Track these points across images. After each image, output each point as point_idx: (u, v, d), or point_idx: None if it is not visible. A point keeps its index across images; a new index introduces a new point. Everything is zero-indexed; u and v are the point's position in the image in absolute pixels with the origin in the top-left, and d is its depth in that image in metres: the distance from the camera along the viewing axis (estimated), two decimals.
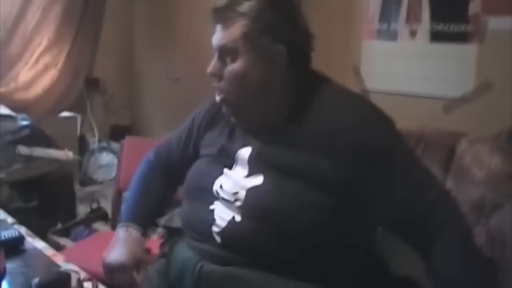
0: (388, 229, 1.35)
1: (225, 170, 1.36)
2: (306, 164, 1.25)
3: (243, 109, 1.35)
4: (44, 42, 3.59)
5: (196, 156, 1.48)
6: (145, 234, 1.52)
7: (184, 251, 1.38)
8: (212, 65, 1.33)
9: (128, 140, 2.57)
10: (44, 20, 3.57)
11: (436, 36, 2.51)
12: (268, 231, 1.24)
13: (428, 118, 2.46)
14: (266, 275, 1.24)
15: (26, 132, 3.07)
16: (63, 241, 2.98)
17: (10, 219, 1.65)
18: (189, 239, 1.39)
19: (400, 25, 2.64)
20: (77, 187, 3.56)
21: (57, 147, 3.23)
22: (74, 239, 2.99)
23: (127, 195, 1.62)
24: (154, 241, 1.97)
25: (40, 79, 3.61)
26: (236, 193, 1.31)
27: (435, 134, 1.65)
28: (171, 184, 1.62)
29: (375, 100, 2.69)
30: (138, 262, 1.40)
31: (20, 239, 1.46)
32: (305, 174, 1.24)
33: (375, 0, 2.72)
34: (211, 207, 1.34)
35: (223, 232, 1.30)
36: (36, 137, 3.12)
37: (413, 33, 2.60)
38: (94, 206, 3.37)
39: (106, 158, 3.86)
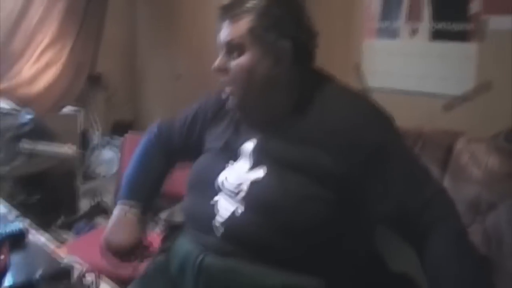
0: (384, 225, 1.37)
1: (229, 163, 1.39)
2: (308, 159, 1.27)
3: (248, 104, 1.37)
4: (47, 38, 3.60)
5: (199, 144, 1.51)
6: (145, 212, 1.54)
7: (185, 244, 1.40)
8: (219, 60, 1.36)
9: (130, 136, 2.59)
10: (47, 16, 3.58)
11: (437, 35, 2.52)
12: (269, 224, 1.26)
13: (428, 116, 2.48)
14: (266, 267, 1.26)
15: (29, 127, 3.09)
16: (65, 235, 3.01)
17: (14, 213, 1.67)
18: (191, 232, 1.41)
19: (401, 23, 2.65)
20: (79, 181, 3.57)
21: (59, 142, 3.25)
22: (76, 233, 3.01)
23: (127, 170, 1.63)
24: (155, 236, 1.99)
25: (43, 75, 3.62)
26: (240, 184, 1.33)
27: (433, 133, 1.67)
28: (169, 163, 1.65)
29: (376, 98, 2.71)
30: (138, 244, 1.44)
31: (24, 232, 1.47)
32: (307, 168, 1.27)
33: None
34: (214, 199, 1.36)
35: (225, 224, 1.31)
36: (39, 132, 3.13)
37: (413, 32, 2.61)
38: (96, 200, 3.39)
39: (108, 153, 3.88)
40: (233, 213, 1.31)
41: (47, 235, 1.53)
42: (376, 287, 1.38)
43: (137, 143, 1.71)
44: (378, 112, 1.34)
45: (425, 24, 2.55)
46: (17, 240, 1.42)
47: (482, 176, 1.46)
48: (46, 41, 3.61)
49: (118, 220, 1.50)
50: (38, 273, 1.09)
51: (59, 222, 3.15)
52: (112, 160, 3.77)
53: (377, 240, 1.40)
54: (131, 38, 4.23)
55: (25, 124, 3.09)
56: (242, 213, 1.30)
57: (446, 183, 1.55)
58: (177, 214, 2.82)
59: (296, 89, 1.36)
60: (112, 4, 3.94)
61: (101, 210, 3.30)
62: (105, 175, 3.78)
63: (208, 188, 1.38)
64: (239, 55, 1.32)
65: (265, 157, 1.33)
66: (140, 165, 1.63)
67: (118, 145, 3.53)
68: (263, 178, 1.31)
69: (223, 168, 1.39)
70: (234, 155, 1.39)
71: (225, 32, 1.34)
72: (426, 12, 2.54)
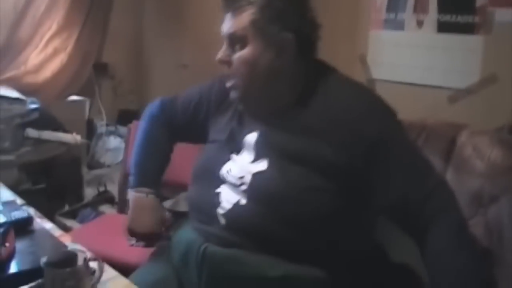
0: (386, 217, 1.37)
1: (233, 155, 1.39)
2: (310, 150, 1.28)
3: (250, 95, 1.38)
4: (54, 27, 3.60)
5: (203, 129, 1.53)
6: (159, 193, 1.58)
7: (188, 233, 1.41)
8: (222, 52, 1.37)
9: (135, 125, 2.59)
10: (54, 5, 3.58)
11: (443, 27, 2.51)
12: (271, 215, 1.27)
13: (433, 108, 2.47)
14: (268, 257, 1.27)
15: (35, 115, 3.09)
16: (70, 223, 3.03)
17: (19, 200, 1.68)
18: (194, 221, 1.42)
19: (407, 15, 2.64)
20: (84, 170, 3.59)
21: (65, 130, 3.26)
22: (81, 221, 3.03)
23: (136, 151, 1.65)
24: None
25: (49, 63, 3.62)
26: (242, 177, 1.34)
27: (436, 125, 1.67)
28: (172, 141, 1.67)
29: (381, 89, 2.72)
30: (162, 225, 1.51)
31: (29, 219, 1.49)
32: (309, 159, 1.28)
33: None
34: (218, 190, 1.38)
35: (227, 214, 1.33)
36: (45, 120, 3.14)
37: (420, 23, 2.60)
38: (101, 189, 3.40)
39: (114, 142, 3.89)
40: (236, 204, 1.32)
41: (51, 224, 1.55)
42: (377, 278, 1.39)
43: None
44: (380, 104, 1.35)
45: (431, 16, 2.54)
46: (22, 227, 1.44)
47: (485, 168, 1.46)
48: (52, 29, 3.61)
49: (140, 207, 1.54)
50: (43, 260, 1.10)
51: (64, 210, 3.17)
52: (117, 149, 3.78)
53: (379, 232, 1.41)
54: (138, 28, 4.23)
55: (31, 112, 3.10)
56: (245, 204, 1.31)
57: (449, 175, 1.54)
58: (181, 203, 2.83)
59: (298, 81, 1.36)
60: None
61: (106, 199, 3.32)
62: (110, 164, 3.79)
63: (212, 178, 1.40)
64: (242, 47, 1.32)
65: (268, 149, 1.34)
66: (148, 146, 1.64)
67: (123, 134, 3.55)
68: (266, 170, 1.32)
69: (227, 160, 1.40)
70: (237, 147, 1.40)
71: (228, 24, 1.34)
72: (433, 3, 2.53)
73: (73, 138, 3.19)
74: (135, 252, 1.88)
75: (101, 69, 4.01)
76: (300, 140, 1.31)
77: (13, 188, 1.92)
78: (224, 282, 1.31)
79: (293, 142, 1.32)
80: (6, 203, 1.59)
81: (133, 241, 1.60)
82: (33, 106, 3.15)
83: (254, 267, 1.28)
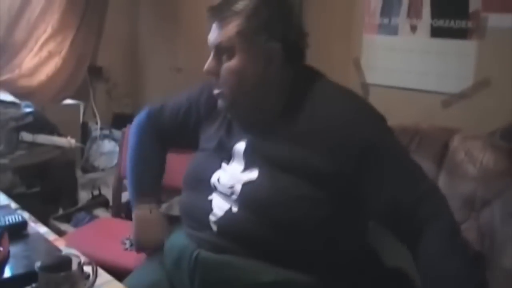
0: (378, 223, 1.38)
1: (223, 164, 1.39)
2: (299, 159, 1.28)
3: (238, 105, 1.37)
4: (49, 30, 3.60)
5: (194, 136, 1.53)
6: (160, 203, 1.61)
7: (181, 239, 1.41)
8: (208, 63, 1.35)
9: (129, 129, 2.60)
10: (49, 7, 3.58)
11: (437, 32, 2.52)
12: (263, 222, 1.27)
13: (427, 113, 2.48)
14: (260, 263, 1.27)
15: (29, 119, 3.09)
16: (64, 226, 3.01)
17: (13, 204, 1.68)
18: (187, 227, 1.43)
19: (401, 20, 2.65)
20: (79, 174, 3.58)
21: (60, 134, 3.26)
22: (75, 225, 3.02)
23: (130, 167, 1.66)
24: None
25: (44, 66, 3.62)
26: (232, 186, 1.34)
27: (430, 129, 1.68)
28: (164, 149, 1.67)
29: (375, 93, 2.74)
30: (167, 235, 1.50)
31: (24, 224, 1.49)
32: (298, 168, 1.27)
33: None
34: (209, 197, 1.38)
35: (219, 221, 1.33)
36: (39, 124, 3.14)
37: (413, 28, 2.62)
38: (95, 193, 3.40)
39: (108, 145, 3.89)
40: (228, 211, 1.32)
41: (45, 228, 1.55)
42: (370, 282, 1.40)
43: None
44: (369, 110, 1.35)
45: (425, 21, 2.55)
46: (17, 232, 1.43)
47: (477, 173, 1.47)
48: (47, 33, 3.60)
49: (146, 223, 1.55)
50: (37, 264, 1.10)
51: (58, 214, 3.16)
52: (112, 153, 3.78)
53: (371, 236, 1.41)
54: (132, 32, 4.23)
55: (25, 115, 3.10)
56: (236, 212, 1.31)
57: (442, 179, 1.56)
58: (175, 207, 2.83)
59: (286, 89, 1.36)
60: None
61: (100, 203, 3.31)
62: (104, 168, 3.79)
63: (203, 186, 1.40)
64: (229, 57, 1.31)
65: (257, 158, 1.34)
66: (141, 160, 1.65)
67: (117, 138, 3.54)
68: (256, 179, 1.32)
69: (217, 168, 1.40)
70: (227, 156, 1.40)
71: (214, 35, 1.33)
72: (426, 9, 2.55)
73: (68, 141, 3.19)
74: (129, 256, 1.88)
75: (95, 72, 4.01)
76: (289, 149, 1.30)
77: (7, 191, 1.91)
78: (216, 287, 1.31)
79: (282, 151, 1.31)
80: (1, 207, 1.59)
81: (127, 245, 1.61)
82: (28, 109, 3.15)
83: (246, 272, 1.28)
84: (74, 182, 3.38)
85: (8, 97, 3.32)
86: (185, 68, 3.75)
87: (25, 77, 3.54)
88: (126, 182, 1.82)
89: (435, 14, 2.51)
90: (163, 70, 4.00)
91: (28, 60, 3.57)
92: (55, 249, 1.38)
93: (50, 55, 3.63)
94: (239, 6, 1.30)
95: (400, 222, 1.27)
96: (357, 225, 1.38)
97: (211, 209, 1.36)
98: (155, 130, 1.65)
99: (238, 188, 1.33)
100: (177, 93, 1.68)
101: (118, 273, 1.33)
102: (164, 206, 2.85)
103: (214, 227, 1.34)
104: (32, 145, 3.06)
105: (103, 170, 3.79)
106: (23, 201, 1.74)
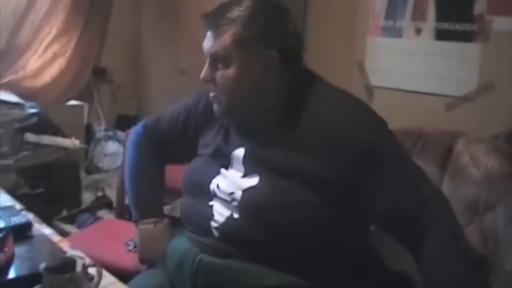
0: (379, 227, 1.37)
1: (222, 170, 1.38)
2: (298, 165, 1.27)
3: (236, 112, 1.35)
4: (53, 31, 3.62)
5: (193, 146, 1.50)
6: (162, 215, 1.59)
7: (183, 243, 1.41)
8: (204, 71, 1.34)
9: (127, 138, 2.60)
10: (54, 9, 3.60)
11: (441, 35, 2.52)
12: (264, 228, 1.27)
13: (430, 115, 2.49)
14: (262, 267, 1.27)
15: (34, 120, 3.10)
16: (68, 227, 3.02)
17: (18, 206, 1.68)
18: (188, 232, 1.43)
19: (406, 22, 2.66)
20: (82, 175, 3.59)
21: (64, 135, 3.26)
22: (79, 226, 3.03)
23: (128, 184, 1.65)
24: None
25: (48, 68, 3.64)
26: (232, 193, 1.33)
27: (433, 133, 1.68)
28: (162, 162, 1.65)
29: (379, 96, 2.74)
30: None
31: (28, 225, 1.48)
32: (298, 174, 1.26)
33: None
34: (210, 203, 1.37)
35: (221, 227, 1.33)
36: (43, 125, 3.15)
37: (418, 31, 2.62)
38: (99, 194, 3.40)
39: (112, 147, 3.90)
40: (229, 217, 1.32)
41: (50, 229, 1.55)
42: (373, 285, 1.40)
43: None
44: (369, 114, 1.33)
45: (430, 24, 2.55)
46: (21, 233, 1.43)
47: (481, 176, 1.47)
48: (51, 34, 3.63)
49: (152, 238, 1.55)
50: (42, 265, 1.10)
51: (62, 215, 3.17)
52: (115, 154, 3.79)
53: (374, 238, 1.41)
54: (136, 34, 4.24)
55: (29, 116, 3.10)
56: (238, 218, 1.31)
57: (446, 183, 1.55)
58: (178, 209, 2.83)
59: (284, 95, 1.34)
60: None
61: (104, 204, 3.32)
62: (108, 169, 3.80)
63: (203, 192, 1.39)
64: (225, 66, 1.29)
65: (257, 164, 1.33)
66: (140, 176, 1.64)
67: (121, 139, 3.55)
68: (256, 185, 1.31)
69: (216, 174, 1.39)
70: (226, 162, 1.39)
71: (209, 43, 1.31)
72: (431, 11, 2.55)
73: (72, 142, 3.20)
74: (132, 258, 1.88)
75: (99, 74, 4.03)
76: (289, 155, 1.29)
77: (11, 192, 1.92)
78: None
79: (281, 157, 1.30)
80: (5, 208, 1.59)
81: (131, 246, 1.61)
82: (32, 110, 3.15)
83: (248, 277, 1.28)
84: (78, 183, 3.38)
85: (12, 98, 3.33)
86: (189, 70, 3.76)
87: (29, 78, 3.56)
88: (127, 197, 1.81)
89: (439, 17, 2.51)
90: (166, 72, 4.00)
91: (32, 61, 3.59)
92: (59, 251, 1.38)
93: (55, 57, 3.65)
94: (234, 13, 1.28)
95: (402, 226, 1.26)
96: (358, 229, 1.37)
97: (212, 215, 1.35)
98: (152, 143, 1.63)
99: (238, 194, 1.32)
100: (180, 95, 1.67)
101: (121, 275, 1.33)
102: (167, 208, 2.85)
103: (216, 233, 1.33)
104: (36, 146, 3.06)
105: (107, 171, 3.80)
106: (27, 202, 1.74)
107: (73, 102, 3.90)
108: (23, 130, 3.03)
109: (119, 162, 3.45)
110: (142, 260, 1.57)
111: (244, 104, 1.33)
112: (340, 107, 1.32)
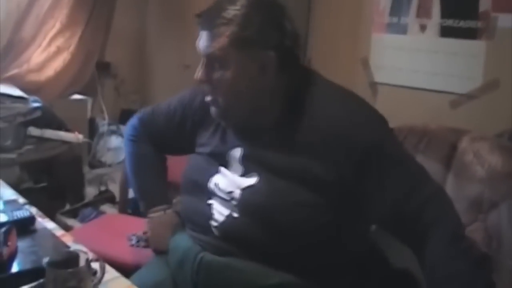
0: (381, 227, 1.37)
1: (222, 168, 1.37)
2: (297, 166, 1.26)
3: (233, 114, 1.34)
4: (57, 25, 3.61)
5: (191, 141, 1.49)
6: (170, 202, 1.60)
7: (184, 241, 1.41)
8: (200, 72, 1.31)
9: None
10: (58, 3, 3.60)
11: (446, 32, 2.52)
12: (263, 227, 1.26)
13: (435, 113, 2.48)
14: (263, 266, 1.27)
15: (37, 114, 3.10)
16: (71, 222, 3.03)
17: (21, 200, 1.69)
18: (189, 230, 1.42)
19: (410, 19, 2.65)
20: (86, 169, 3.59)
21: (67, 129, 3.26)
22: (82, 221, 3.03)
23: (130, 177, 1.66)
24: None
25: (52, 62, 3.63)
26: (231, 192, 1.33)
27: (438, 130, 1.67)
28: (161, 151, 1.65)
29: (383, 93, 2.73)
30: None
31: (31, 219, 1.49)
32: (297, 174, 1.25)
33: None
34: (209, 201, 1.37)
35: (221, 226, 1.32)
36: (47, 119, 3.15)
37: (423, 28, 2.61)
38: (102, 188, 3.41)
39: (115, 141, 3.90)
40: (228, 216, 1.32)
41: (53, 224, 1.55)
42: (376, 283, 1.39)
43: None
44: (369, 112, 1.32)
45: (434, 20, 2.55)
46: (24, 227, 1.44)
47: (485, 174, 1.46)
48: (55, 28, 3.62)
49: (162, 225, 1.55)
50: (45, 260, 1.11)
51: (65, 209, 3.17)
52: (119, 148, 3.79)
53: (378, 236, 1.41)
54: (140, 28, 4.24)
55: (33, 110, 3.11)
56: (237, 217, 1.30)
57: (450, 180, 1.55)
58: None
59: (282, 95, 1.32)
60: None
61: (107, 198, 3.33)
62: (112, 164, 3.80)
63: (202, 190, 1.38)
64: (221, 66, 1.27)
65: (255, 165, 1.32)
66: (141, 167, 1.64)
67: None
68: (255, 184, 1.30)
69: (214, 173, 1.38)
70: (224, 161, 1.38)
71: (205, 43, 1.28)
72: (436, 8, 2.54)
73: (75, 137, 3.20)
74: (135, 253, 1.89)
75: (103, 68, 4.02)
76: (288, 155, 1.27)
77: (15, 186, 1.92)
78: None
79: (280, 158, 1.28)
80: (8, 202, 1.59)
81: (134, 241, 1.61)
82: (36, 104, 3.15)
83: (250, 275, 1.27)
84: (81, 178, 3.39)
85: (16, 92, 3.33)
86: (193, 65, 3.72)
87: (33, 72, 3.55)
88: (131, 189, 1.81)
89: (444, 14, 2.51)
90: (170, 67, 4.00)
91: (36, 55, 3.58)
92: (62, 245, 1.39)
93: (59, 51, 3.65)
94: (230, 13, 1.24)
95: (403, 226, 1.25)
96: (358, 229, 1.35)
97: (211, 214, 1.35)
98: (149, 134, 1.62)
99: (237, 193, 1.32)
100: (184, 89, 1.66)
101: (123, 269, 1.34)
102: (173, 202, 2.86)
103: (216, 232, 1.33)
104: (40, 140, 3.06)
105: (110, 165, 3.81)
106: (30, 196, 1.75)
107: (76, 96, 3.90)
108: (27, 124, 3.03)
109: (122, 157, 3.45)
110: (156, 250, 1.56)
111: (242, 106, 1.31)
112: (339, 106, 1.30)
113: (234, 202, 1.32)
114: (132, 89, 4.22)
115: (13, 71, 3.46)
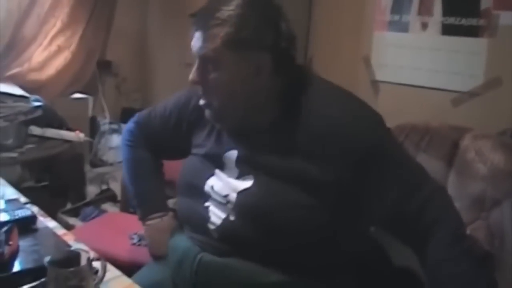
0: (382, 228, 1.36)
1: (217, 171, 1.36)
2: (293, 168, 1.24)
3: (228, 116, 1.32)
4: (58, 24, 3.61)
5: (187, 144, 1.48)
6: (167, 209, 1.59)
7: (183, 241, 1.41)
8: (193, 72, 1.29)
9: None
10: (59, 2, 3.59)
11: (448, 29, 2.52)
12: (261, 230, 1.25)
13: (437, 110, 2.48)
14: (262, 267, 1.26)
15: (38, 112, 3.09)
16: (72, 221, 3.03)
17: (23, 199, 1.69)
18: (187, 231, 1.42)
19: (412, 17, 2.65)
20: (87, 168, 3.59)
21: (68, 128, 3.26)
22: (83, 219, 3.04)
23: (128, 182, 1.65)
24: None
25: (53, 61, 3.63)
26: (227, 195, 1.32)
27: (440, 128, 1.67)
28: (158, 155, 1.63)
29: (385, 91, 2.73)
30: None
31: (33, 218, 1.49)
32: (293, 177, 1.24)
33: None
34: (206, 204, 1.36)
35: (218, 229, 1.32)
36: (48, 118, 3.14)
37: (424, 26, 2.61)
38: (104, 187, 3.42)
39: (117, 140, 3.89)
40: (225, 219, 1.31)
41: (54, 223, 1.55)
42: (378, 281, 1.39)
43: None
44: (366, 113, 1.30)
45: (436, 18, 2.55)
46: (25, 226, 1.43)
47: (488, 173, 1.46)
48: (56, 27, 3.62)
49: (160, 232, 1.54)
50: (46, 259, 1.10)
51: (66, 208, 3.18)
52: (120, 147, 3.79)
53: (379, 235, 1.40)
54: (142, 26, 4.23)
55: (34, 109, 3.10)
56: (234, 221, 1.30)
57: (452, 178, 1.55)
58: None
59: (278, 98, 1.29)
60: None
61: (108, 197, 3.33)
62: (113, 162, 3.80)
63: (198, 193, 1.37)
64: (215, 68, 1.25)
65: (251, 167, 1.31)
66: (138, 173, 1.63)
67: None
68: (251, 187, 1.29)
69: (210, 175, 1.37)
70: (219, 163, 1.36)
71: (198, 44, 1.26)
72: (437, 6, 2.54)
73: (76, 135, 3.19)
74: (137, 251, 1.89)
75: (105, 66, 4.02)
76: (284, 157, 1.26)
77: (16, 185, 1.92)
78: None
79: (276, 160, 1.27)
80: (10, 201, 1.59)
81: (135, 240, 1.62)
82: (37, 103, 3.15)
83: (249, 276, 1.27)
84: (83, 176, 3.39)
85: (17, 91, 3.33)
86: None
87: (34, 71, 3.55)
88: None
89: (446, 12, 2.51)
90: (172, 65, 4.00)
91: (37, 54, 3.58)
92: (64, 244, 1.39)
93: (60, 49, 3.65)
94: (224, 13, 1.21)
95: (404, 227, 1.24)
96: (357, 230, 1.34)
97: (208, 217, 1.34)
98: (145, 137, 1.61)
99: (233, 196, 1.30)
100: (181, 90, 1.65)
101: (125, 268, 1.34)
102: (171, 201, 2.85)
103: (214, 235, 1.33)
104: (41, 139, 3.06)
105: (111, 164, 3.81)
106: (32, 195, 1.74)
107: (78, 95, 3.89)
108: (28, 123, 3.03)
109: None
110: (154, 257, 1.56)
111: (236, 107, 1.29)
112: (336, 106, 1.28)
113: (230, 206, 1.31)
114: (133, 87, 4.22)
115: (14, 70, 3.46)
